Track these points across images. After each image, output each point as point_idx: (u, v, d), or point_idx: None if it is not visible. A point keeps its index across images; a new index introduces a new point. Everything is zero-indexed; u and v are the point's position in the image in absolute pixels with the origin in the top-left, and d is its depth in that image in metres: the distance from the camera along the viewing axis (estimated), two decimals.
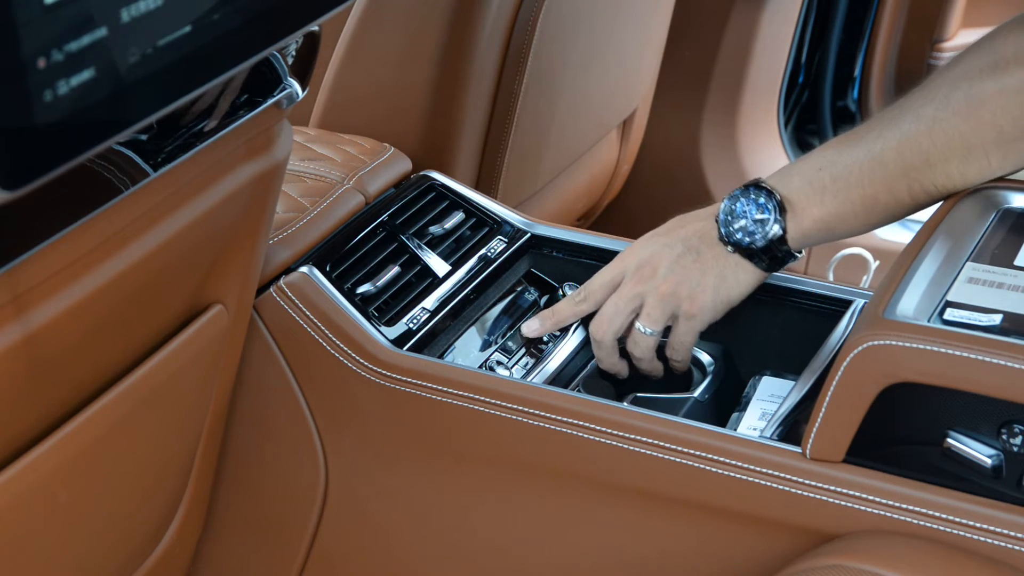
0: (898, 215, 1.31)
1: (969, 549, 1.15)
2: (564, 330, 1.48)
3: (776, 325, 1.42)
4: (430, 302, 1.42)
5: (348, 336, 1.35)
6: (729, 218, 1.33)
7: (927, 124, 1.26)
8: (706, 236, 1.35)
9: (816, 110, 2.61)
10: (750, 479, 1.21)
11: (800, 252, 1.33)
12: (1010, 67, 1.24)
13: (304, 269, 1.39)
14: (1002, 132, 1.24)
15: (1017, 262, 1.23)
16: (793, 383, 1.31)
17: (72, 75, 0.80)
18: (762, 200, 1.31)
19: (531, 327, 1.43)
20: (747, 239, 1.32)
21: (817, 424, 1.18)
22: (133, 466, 1.22)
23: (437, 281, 1.46)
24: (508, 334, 1.46)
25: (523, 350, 1.45)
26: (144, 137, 1.02)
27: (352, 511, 1.40)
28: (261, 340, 1.38)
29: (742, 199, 1.32)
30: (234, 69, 0.96)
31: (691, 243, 1.35)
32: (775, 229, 1.31)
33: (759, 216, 1.31)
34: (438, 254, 1.48)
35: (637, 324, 1.36)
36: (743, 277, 1.34)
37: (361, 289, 1.41)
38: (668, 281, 1.34)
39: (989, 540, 1.14)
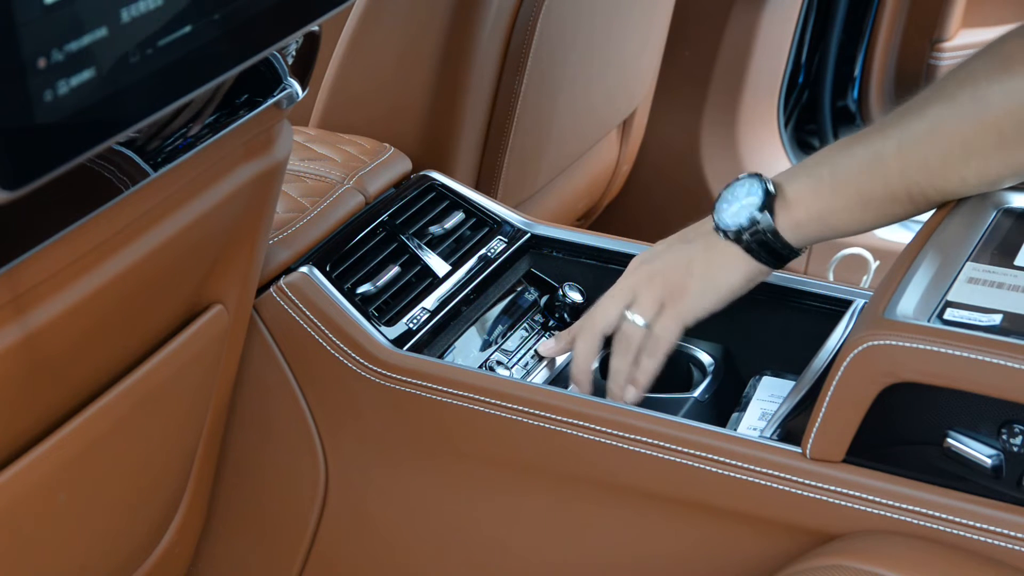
0: (896, 216, 1.29)
1: (969, 549, 1.15)
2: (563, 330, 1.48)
3: (776, 325, 1.42)
4: (430, 302, 1.42)
5: (348, 336, 1.35)
6: (722, 204, 1.31)
7: (929, 124, 1.25)
8: (700, 226, 1.34)
9: (816, 110, 2.61)
10: (750, 479, 1.21)
11: (801, 249, 1.32)
12: (1015, 69, 1.23)
13: (304, 269, 1.39)
14: (1004, 136, 1.23)
15: (1017, 262, 1.23)
16: (793, 383, 1.31)
17: (72, 75, 0.80)
18: (751, 183, 1.30)
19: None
20: (736, 222, 1.30)
21: (817, 424, 1.18)
22: (133, 466, 1.22)
23: (437, 281, 1.45)
24: (508, 334, 1.46)
25: (523, 350, 1.45)
26: (144, 137, 1.02)
27: (352, 511, 1.39)
28: (261, 340, 1.38)
29: (733, 184, 1.31)
30: (234, 69, 0.96)
31: (686, 235, 1.35)
32: (765, 216, 1.28)
33: (747, 199, 1.29)
34: (438, 254, 1.48)
35: (627, 313, 1.33)
36: (734, 264, 1.31)
37: (361, 289, 1.41)
38: (658, 268, 1.33)
39: (989, 540, 1.14)
